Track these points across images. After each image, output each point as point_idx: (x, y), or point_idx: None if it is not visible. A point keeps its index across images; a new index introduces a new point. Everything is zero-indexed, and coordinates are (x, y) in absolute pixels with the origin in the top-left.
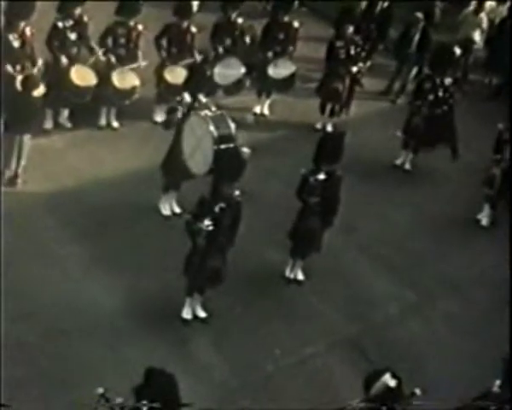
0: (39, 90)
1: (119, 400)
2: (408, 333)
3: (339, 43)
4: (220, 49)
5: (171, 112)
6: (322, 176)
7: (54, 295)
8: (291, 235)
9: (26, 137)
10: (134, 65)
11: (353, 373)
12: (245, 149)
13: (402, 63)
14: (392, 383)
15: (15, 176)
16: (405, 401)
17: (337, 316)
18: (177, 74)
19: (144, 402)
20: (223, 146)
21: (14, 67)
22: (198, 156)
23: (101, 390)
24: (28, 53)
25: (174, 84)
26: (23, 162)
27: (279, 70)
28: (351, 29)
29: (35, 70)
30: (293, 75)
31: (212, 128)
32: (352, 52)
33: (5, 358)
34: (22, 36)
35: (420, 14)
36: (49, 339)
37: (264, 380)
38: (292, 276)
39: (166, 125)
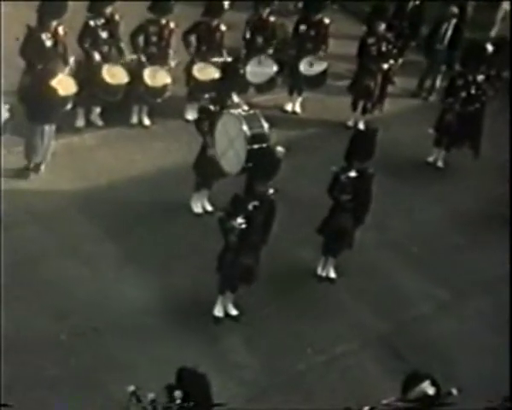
0: (71, 89)
1: (150, 395)
2: (440, 331)
3: (371, 41)
4: (252, 48)
5: (202, 111)
6: (353, 174)
7: (86, 293)
8: (323, 232)
9: (49, 128)
10: (165, 67)
11: (385, 371)
12: (279, 149)
13: (432, 60)
14: (431, 391)
15: (39, 164)
16: (441, 402)
17: (369, 314)
18: (206, 72)
19: (176, 401)
20: (256, 146)
21: (46, 65)
22: (231, 155)
23: (132, 388)
24: (60, 52)
25: (204, 81)
26: (48, 155)
27: (311, 67)
28: (383, 26)
29: (67, 69)
30: (324, 72)
31: (245, 127)
32: (384, 49)
33: (39, 357)
34: (55, 35)
35: (455, 9)
36: (82, 337)
37: (296, 379)
38: (324, 274)
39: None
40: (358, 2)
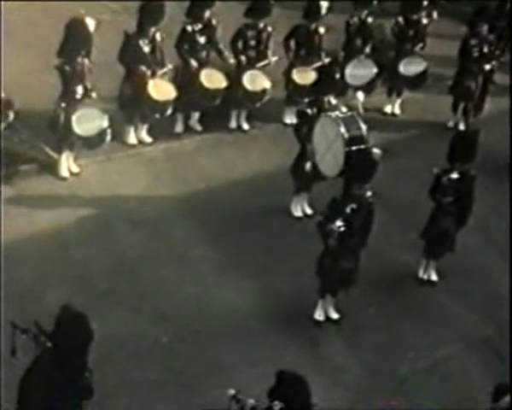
0: (170, 94)
1: (250, 401)
2: None
3: (473, 42)
4: (350, 50)
5: (300, 115)
6: (455, 175)
7: (186, 297)
8: (424, 235)
9: None
10: (264, 62)
11: (489, 375)
12: (376, 150)
13: None
14: None
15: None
16: None
17: (472, 317)
18: (305, 76)
19: (276, 405)
20: (354, 148)
21: (144, 71)
22: (329, 158)
23: (232, 392)
24: (158, 58)
25: (303, 85)
26: None
27: (410, 67)
28: (485, 27)
29: (165, 75)
30: (424, 72)
31: (343, 130)
32: (486, 50)
33: (140, 360)
34: (153, 41)
35: None
36: (182, 341)
37: (398, 382)
38: (425, 277)
39: (301, 141)
40: (458, 2)
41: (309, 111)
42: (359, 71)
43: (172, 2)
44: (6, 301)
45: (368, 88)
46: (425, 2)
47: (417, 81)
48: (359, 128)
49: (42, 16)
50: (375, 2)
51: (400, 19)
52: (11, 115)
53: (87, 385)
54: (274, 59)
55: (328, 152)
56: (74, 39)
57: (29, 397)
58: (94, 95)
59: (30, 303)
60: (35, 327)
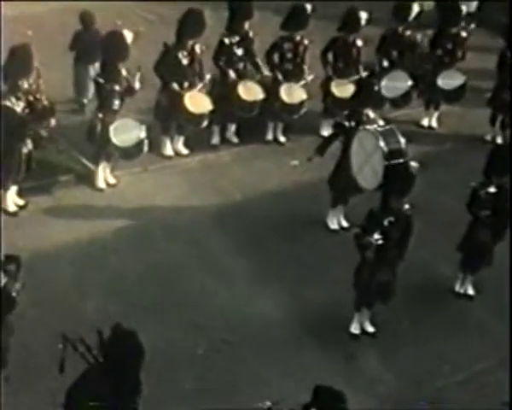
0: (207, 107)
1: None
2: None
3: (510, 54)
4: (386, 63)
5: (337, 127)
6: (493, 189)
7: (221, 307)
8: (461, 248)
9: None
10: (301, 82)
11: None
12: (413, 164)
13: None
14: None
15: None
16: None
17: (507, 331)
18: (343, 88)
19: None
20: (393, 161)
21: (181, 84)
22: (367, 171)
23: (268, 404)
24: (197, 70)
25: (341, 98)
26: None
27: (449, 81)
28: None
29: (202, 87)
30: (463, 86)
31: (381, 143)
32: None
33: (175, 370)
34: (191, 53)
35: None
36: (217, 351)
37: (434, 396)
38: (462, 290)
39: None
40: (495, 14)
41: (346, 124)
42: (394, 83)
43: (210, 14)
44: (43, 310)
45: (403, 101)
46: (462, 13)
47: (456, 95)
48: (398, 141)
49: (79, 25)
50: (412, 15)
51: (439, 32)
52: (53, 122)
53: (134, 407)
54: (310, 78)
55: (367, 165)
56: (111, 52)
57: None
58: (137, 85)
59: (67, 312)
60: (81, 343)
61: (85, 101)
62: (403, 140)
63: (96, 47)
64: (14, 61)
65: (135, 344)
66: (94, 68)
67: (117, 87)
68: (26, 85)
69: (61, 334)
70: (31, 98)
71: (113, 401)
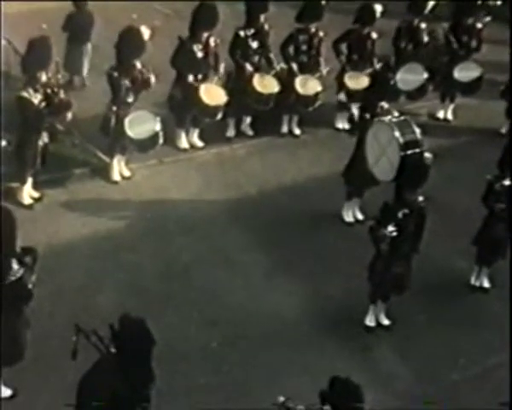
0: (222, 99)
1: (300, 408)
2: None
3: None
4: (402, 55)
5: (351, 121)
6: (508, 182)
7: (236, 301)
8: (476, 242)
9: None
10: (317, 74)
11: None
12: (427, 155)
13: None
14: None
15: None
16: None
17: None
18: (358, 80)
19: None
20: (409, 152)
21: (196, 76)
22: (383, 163)
23: (282, 399)
24: (212, 63)
25: (355, 90)
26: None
27: (466, 73)
28: None
29: (217, 79)
30: (480, 78)
31: (397, 134)
32: None
33: (190, 364)
34: (206, 46)
35: None
36: (232, 346)
37: (450, 389)
38: (477, 284)
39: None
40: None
41: (362, 116)
42: (410, 76)
43: (224, 7)
44: (58, 303)
45: (418, 93)
46: (478, 5)
47: (472, 87)
48: (413, 132)
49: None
50: (428, 8)
51: (454, 24)
52: (69, 116)
53: (147, 395)
54: (325, 70)
55: (383, 157)
56: (127, 48)
57: (89, 402)
58: (153, 78)
59: (82, 305)
60: (93, 334)
61: (76, 79)
62: (418, 130)
63: (88, 27)
64: (33, 53)
65: (144, 331)
66: (86, 48)
67: (131, 81)
68: (44, 78)
69: (74, 324)
70: (48, 91)
71: (126, 388)
